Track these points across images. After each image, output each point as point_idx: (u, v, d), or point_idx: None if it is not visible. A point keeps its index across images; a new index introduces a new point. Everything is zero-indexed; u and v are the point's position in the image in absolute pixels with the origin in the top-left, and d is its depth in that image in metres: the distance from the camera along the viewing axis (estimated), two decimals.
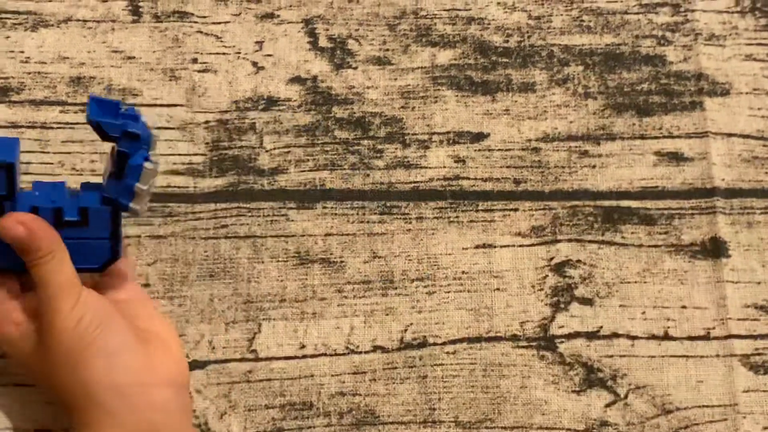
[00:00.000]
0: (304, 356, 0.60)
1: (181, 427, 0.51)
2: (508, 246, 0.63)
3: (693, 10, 0.69)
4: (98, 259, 0.54)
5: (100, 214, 0.53)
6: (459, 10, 0.69)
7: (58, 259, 0.51)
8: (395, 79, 0.67)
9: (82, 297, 0.51)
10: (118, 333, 0.51)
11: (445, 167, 0.65)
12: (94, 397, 0.49)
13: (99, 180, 0.55)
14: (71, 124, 0.64)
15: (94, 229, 0.53)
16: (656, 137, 0.66)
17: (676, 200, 0.64)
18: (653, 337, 0.61)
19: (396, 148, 0.65)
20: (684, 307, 0.62)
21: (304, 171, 0.64)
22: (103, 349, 0.50)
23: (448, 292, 0.62)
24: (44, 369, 0.51)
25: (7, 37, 0.66)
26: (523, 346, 0.61)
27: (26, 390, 0.58)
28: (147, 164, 0.51)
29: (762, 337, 0.62)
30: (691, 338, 0.61)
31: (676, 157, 0.65)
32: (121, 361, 0.50)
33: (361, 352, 0.60)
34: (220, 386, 0.59)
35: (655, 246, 0.63)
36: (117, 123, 0.50)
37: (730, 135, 0.66)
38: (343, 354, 0.60)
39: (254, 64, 0.66)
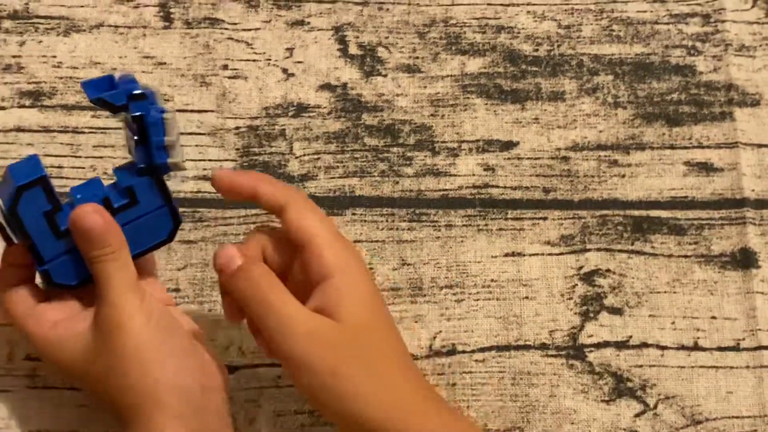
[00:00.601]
0: None
1: None
2: (537, 254, 0.63)
3: (723, 21, 0.69)
4: (164, 231, 0.53)
5: (145, 185, 0.52)
6: (489, 18, 0.69)
7: (124, 257, 0.50)
8: (425, 87, 0.67)
9: (147, 295, 0.50)
10: (181, 332, 0.50)
11: (474, 175, 0.65)
12: (163, 399, 0.48)
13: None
14: (103, 128, 0.64)
15: (147, 203, 0.52)
16: (686, 147, 0.66)
17: (705, 210, 0.64)
18: (683, 347, 0.61)
19: (425, 156, 0.65)
20: (714, 317, 0.62)
21: (333, 178, 0.64)
22: (173, 349, 0.49)
23: (477, 299, 0.62)
24: (97, 371, 0.49)
25: (40, 41, 0.66)
26: (552, 355, 0.61)
27: (59, 392, 0.58)
28: (166, 115, 0.51)
29: None
30: (720, 349, 0.61)
31: (706, 168, 0.65)
32: (187, 362, 0.49)
33: None
34: (249, 391, 0.59)
35: (685, 256, 0.63)
36: (119, 91, 0.50)
37: (760, 146, 0.66)
38: None
39: (284, 70, 0.67)
